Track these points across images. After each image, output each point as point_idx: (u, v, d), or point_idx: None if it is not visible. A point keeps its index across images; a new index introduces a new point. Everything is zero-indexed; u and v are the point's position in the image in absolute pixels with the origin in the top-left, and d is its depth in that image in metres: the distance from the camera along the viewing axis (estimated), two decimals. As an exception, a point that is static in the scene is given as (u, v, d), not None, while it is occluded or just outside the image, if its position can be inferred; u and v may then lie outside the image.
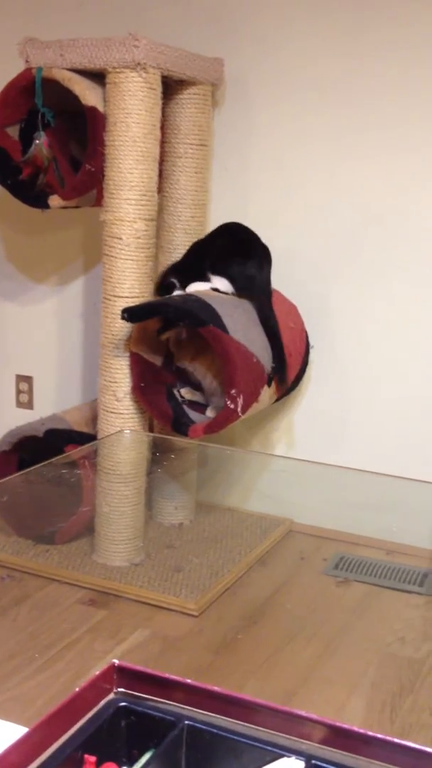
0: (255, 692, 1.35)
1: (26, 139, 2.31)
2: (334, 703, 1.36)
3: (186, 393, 2.28)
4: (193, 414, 2.24)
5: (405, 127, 2.30)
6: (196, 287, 2.22)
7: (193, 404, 2.27)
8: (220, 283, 2.21)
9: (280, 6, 2.39)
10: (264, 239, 2.25)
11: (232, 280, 2.20)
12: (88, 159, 2.20)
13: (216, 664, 1.46)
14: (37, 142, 2.28)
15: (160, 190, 2.33)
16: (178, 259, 2.33)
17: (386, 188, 2.34)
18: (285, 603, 1.71)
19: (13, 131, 2.31)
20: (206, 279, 2.22)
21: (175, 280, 2.25)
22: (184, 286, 2.23)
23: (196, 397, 2.28)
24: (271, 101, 2.44)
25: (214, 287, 2.21)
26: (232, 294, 2.20)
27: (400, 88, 2.29)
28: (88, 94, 2.15)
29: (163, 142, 2.31)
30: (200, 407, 2.26)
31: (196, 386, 2.26)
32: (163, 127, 2.27)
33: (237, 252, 2.23)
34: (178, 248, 2.37)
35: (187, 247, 2.33)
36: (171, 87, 2.29)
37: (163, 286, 2.25)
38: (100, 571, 1.79)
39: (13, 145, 2.31)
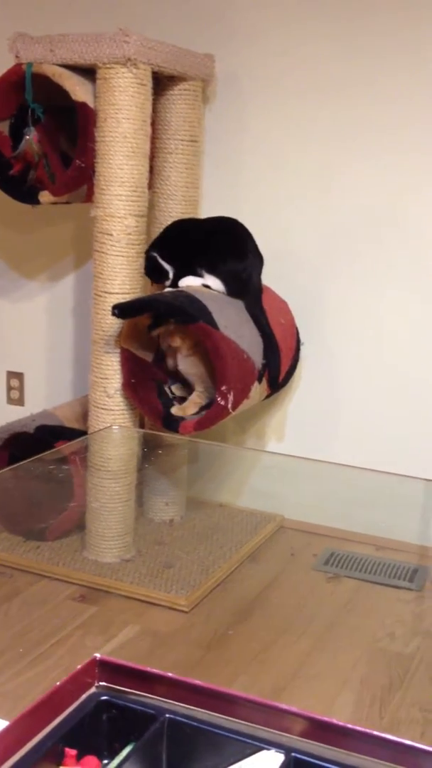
0: (245, 688, 1.36)
1: (16, 134, 2.30)
2: (323, 698, 1.36)
3: (176, 389, 2.27)
4: (184, 410, 2.24)
5: (398, 124, 2.30)
6: (188, 282, 2.22)
7: (183, 401, 2.26)
8: (213, 281, 2.21)
9: (271, 1, 2.38)
10: (255, 236, 2.25)
11: (224, 282, 2.20)
12: (79, 155, 2.20)
13: (206, 660, 1.46)
14: (28, 137, 2.27)
15: (151, 186, 2.32)
16: (162, 231, 2.30)
17: (378, 184, 2.34)
18: (275, 599, 1.71)
19: (3, 127, 2.30)
20: (198, 275, 2.22)
21: (156, 254, 2.23)
22: (170, 264, 2.22)
23: (187, 393, 2.27)
24: (263, 97, 2.44)
25: (206, 284, 2.21)
26: (223, 293, 2.20)
27: (394, 86, 2.29)
28: (78, 89, 2.15)
29: (154, 138, 2.31)
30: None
31: (186, 383, 2.26)
32: (153, 123, 2.26)
33: (231, 251, 2.23)
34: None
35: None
36: (161, 83, 2.28)
37: (148, 258, 2.24)
38: (90, 568, 1.79)
39: (4, 141, 2.30)
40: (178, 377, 2.26)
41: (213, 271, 2.21)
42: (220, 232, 2.26)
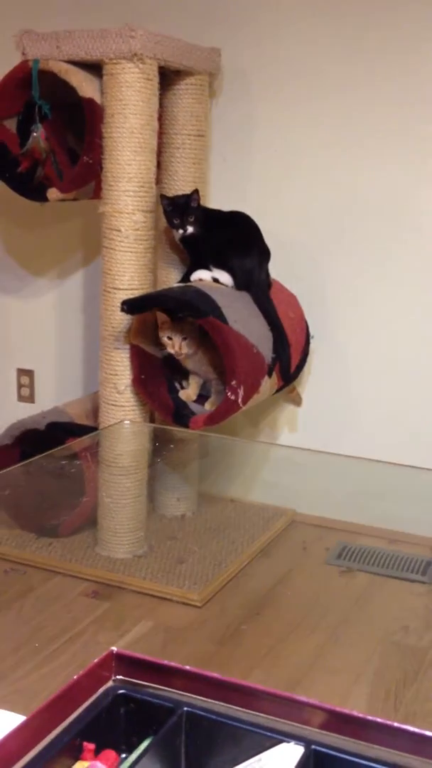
0: (259, 682, 1.35)
1: (24, 131, 2.30)
2: (338, 692, 1.36)
3: (186, 384, 2.27)
4: (194, 405, 2.23)
5: (404, 115, 2.29)
6: (199, 276, 2.22)
7: (203, 399, 2.25)
8: (221, 275, 2.21)
9: (276, -5, 2.38)
10: (263, 229, 2.25)
11: (232, 275, 2.20)
12: (86, 151, 2.19)
13: (220, 655, 1.46)
14: (35, 134, 2.27)
15: (159, 181, 2.32)
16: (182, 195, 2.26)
17: (385, 177, 2.34)
18: (288, 593, 1.70)
19: (11, 124, 2.30)
20: (207, 268, 2.22)
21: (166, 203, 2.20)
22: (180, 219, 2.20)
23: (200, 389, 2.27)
24: (269, 91, 2.43)
25: (215, 278, 2.21)
26: (232, 287, 2.20)
27: (399, 77, 2.28)
28: (85, 85, 2.15)
29: (161, 133, 2.30)
30: (201, 398, 2.25)
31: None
32: (160, 118, 2.26)
33: (238, 245, 2.23)
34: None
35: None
36: (168, 77, 2.28)
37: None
38: (103, 563, 1.79)
39: (11, 138, 2.30)
40: (187, 372, 2.26)
41: (221, 265, 2.21)
42: (227, 226, 2.26)
